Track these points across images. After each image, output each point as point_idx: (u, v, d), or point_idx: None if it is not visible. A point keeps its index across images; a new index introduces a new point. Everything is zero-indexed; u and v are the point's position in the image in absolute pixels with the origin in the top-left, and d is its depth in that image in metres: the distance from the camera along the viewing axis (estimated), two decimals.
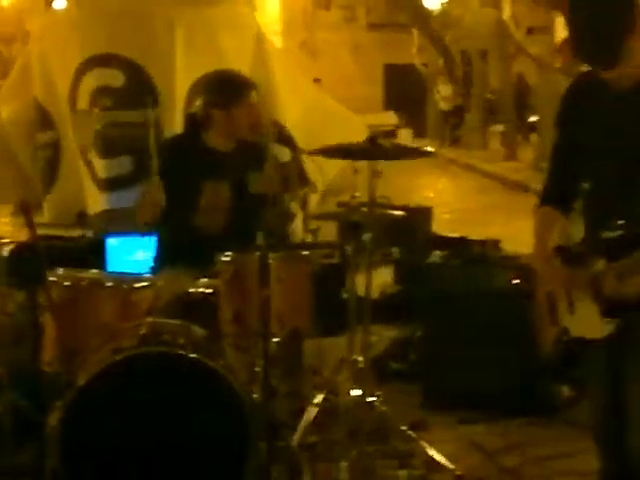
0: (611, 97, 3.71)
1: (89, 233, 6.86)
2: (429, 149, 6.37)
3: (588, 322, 3.73)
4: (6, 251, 5.17)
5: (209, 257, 5.01)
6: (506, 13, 22.11)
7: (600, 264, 3.64)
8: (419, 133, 32.72)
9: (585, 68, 3.82)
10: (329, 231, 7.48)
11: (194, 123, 5.89)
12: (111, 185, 7.34)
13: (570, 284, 3.78)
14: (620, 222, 3.60)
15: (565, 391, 5.96)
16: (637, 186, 3.59)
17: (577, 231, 3.99)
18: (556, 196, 3.99)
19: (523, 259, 6.14)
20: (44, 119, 7.61)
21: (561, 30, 21.59)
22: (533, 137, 24.67)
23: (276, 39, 31.03)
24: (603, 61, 3.61)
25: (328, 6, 31.75)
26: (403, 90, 33.88)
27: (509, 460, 5.34)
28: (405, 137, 29.64)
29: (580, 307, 3.76)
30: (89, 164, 7.40)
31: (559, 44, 9.96)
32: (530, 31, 24.76)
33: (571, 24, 3.67)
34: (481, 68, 30.91)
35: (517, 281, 5.82)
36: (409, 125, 31.54)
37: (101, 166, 7.37)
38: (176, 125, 7.04)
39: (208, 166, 5.51)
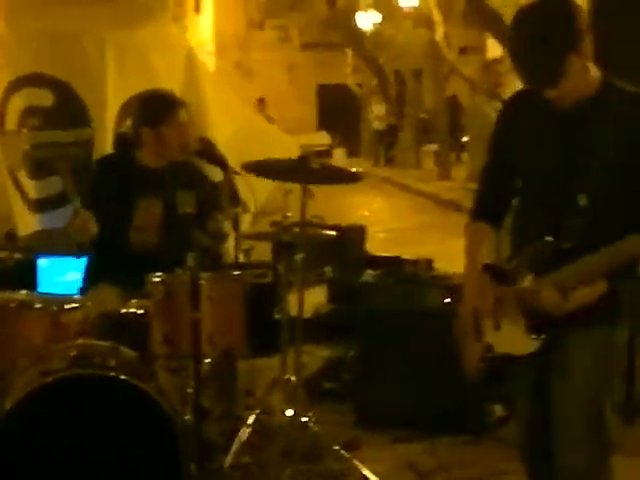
0: (550, 116, 3.71)
1: (19, 254, 6.79)
2: (360, 170, 6.39)
3: (514, 338, 3.75)
4: None
5: (140, 277, 4.98)
6: (439, 34, 22.26)
7: (527, 280, 3.68)
8: (353, 152, 32.94)
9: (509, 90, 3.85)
10: (263, 251, 7.48)
11: (125, 142, 5.88)
12: (42, 206, 7.29)
13: (498, 300, 3.79)
14: (548, 238, 3.63)
15: (498, 410, 5.98)
16: (567, 203, 3.60)
17: (507, 247, 4.02)
18: (487, 212, 3.99)
19: (455, 278, 6.17)
20: None
21: (493, 50, 21.83)
22: (466, 156, 24.84)
23: (209, 59, 31.09)
24: (543, 81, 3.60)
25: (262, 26, 31.84)
26: (337, 110, 34.06)
27: (440, 479, 5.37)
28: (339, 157, 29.80)
29: (506, 323, 3.78)
30: (18, 185, 7.32)
31: (486, 64, 10.04)
32: (463, 51, 25.00)
33: (510, 43, 3.67)
34: (415, 88, 31.15)
35: (449, 300, 5.85)
36: (343, 144, 31.68)
37: (31, 187, 7.31)
38: (107, 145, 7.02)
39: (140, 184, 5.49)
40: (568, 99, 3.62)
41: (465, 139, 25.50)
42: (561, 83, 3.54)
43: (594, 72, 3.65)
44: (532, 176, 3.81)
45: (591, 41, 3.58)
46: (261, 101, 22.65)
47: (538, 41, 3.53)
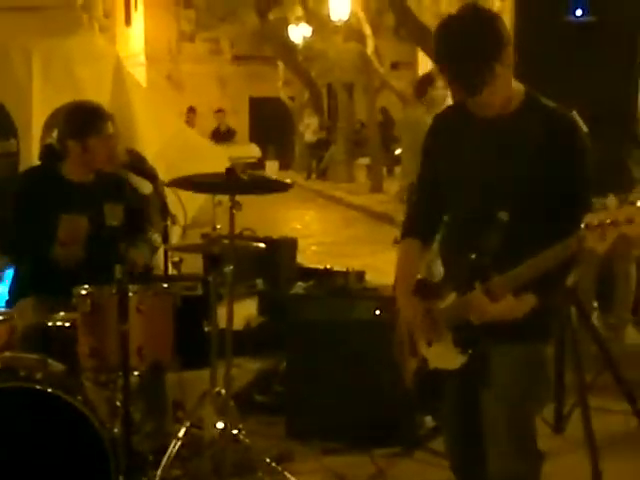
0: (474, 127, 3.74)
1: None
2: (288, 181, 6.37)
3: (444, 353, 3.79)
4: None
5: (67, 290, 4.96)
6: (369, 47, 22.37)
7: (451, 297, 3.72)
8: (285, 165, 32.96)
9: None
10: (193, 263, 7.46)
11: (50, 154, 5.83)
12: None
13: (426, 316, 3.81)
14: (472, 256, 3.65)
15: (428, 421, 6.00)
16: (490, 219, 3.62)
17: (437, 264, 4.05)
18: (417, 229, 4.00)
19: (386, 290, 6.18)
20: None
21: (425, 65, 21.99)
22: (398, 170, 24.97)
23: (140, 71, 30.91)
24: (468, 89, 3.61)
25: (192, 38, 31.82)
26: (269, 122, 34.09)
27: None
28: (271, 169, 29.82)
29: (437, 339, 3.80)
30: None
31: (417, 80, 10.09)
32: (395, 66, 25.20)
33: (436, 54, 3.69)
34: (347, 101, 31.19)
35: (379, 312, 5.86)
36: (276, 157, 31.70)
37: None
38: (33, 156, 6.97)
39: (65, 198, 5.45)
40: (491, 110, 3.66)
41: (397, 152, 25.78)
42: (485, 92, 3.56)
43: (517, 86, 3.70)
44: (456, 191, 3.82)
45: (513, 53, 3.63)
46: (191, 110, 22.63)
47: (462, 51, 3.56)
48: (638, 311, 8.58)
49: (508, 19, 6.58)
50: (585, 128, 3.68)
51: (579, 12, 6.25)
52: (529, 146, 3.61)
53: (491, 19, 3.61)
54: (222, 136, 22.07)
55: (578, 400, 5.73)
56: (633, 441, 6.07)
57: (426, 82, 8.13)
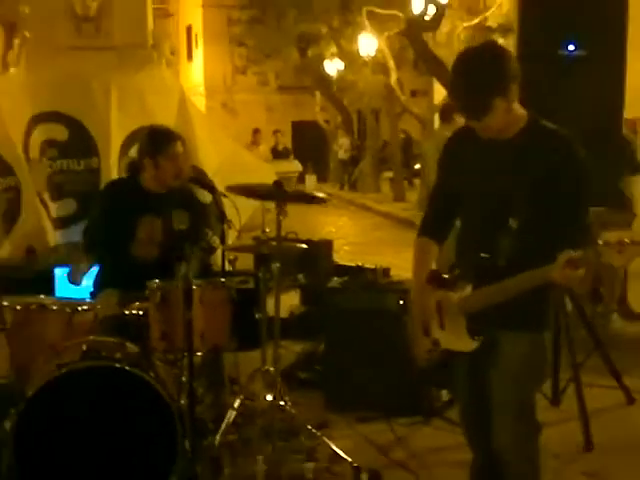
0: (479, 147, 3.71)
1: (39, 265, 6.75)
2: (324, 195, 6.42)
3: (456, 337, 3.76)
4: None
5: (141, 284, 4.98)
6: (393, 79, 22.28)
7: (468, 289, 3.68)
8: (322, 178, 32.91)
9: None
10: (246, 261, 7.47)
11: (132, 169, 5.88)
12: (60, 223, 7.30)
13: (439, 302, 3.80)
14: (484, 255, 3.63)
15: (444, 394, 5.99)
16: (499, 225, 3.58)
17: (448, 259, 4.04)
18: (432, 229, 3.98)
19: (408, 284, 6.17)
20: (2, 166, 7.49)
21: (439, 93, 21.91)
22: (417, 181, 24.95)
23: (200, 100, 31.03)
24: (470, 115, 3.62)
25: (244, 72, 31.80)
26: (308, 142, 34.05)
27: (397, 453, 5.36)
28: (310, 182, 29.77)
29: (449, 323, 3.78)
30: (44, 204, 7.32)
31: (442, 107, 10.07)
32: (414, 94, 25.13)
33: (449, 85, 3.72)
34: (373, 124, 31.19)
35: (402, 302, 5.83)
36: (314, 171, 31.65)
37: (53, 207, 7.32)
38: (112, 172, 7.02)
39: (143, 204, 5.49)
40: (492, 133, 3.62)
41: (416, 167, 25.73)
42: (485, 119, 3.55)
43: (520, 111, 3.65)
44: (470, 201, 3.78)
45: (518, 86, 3.60)
46: (256, 131, 22.67)
47: (468, 86, 3.56)
48: (622, 303, 8.55)
49: None
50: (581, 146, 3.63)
51: (571, 47, 6.20)
52: (531, 163, 3.57)
53: (498, 58, 3.58)
54: (279, 153, 22.06)
55: (572, 377, 5.71)
56: (619, 412, 6.05)
57: (451, 110, 8.12)
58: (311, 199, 6.47)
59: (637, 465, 5.18)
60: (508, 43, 14.16)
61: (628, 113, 6.90)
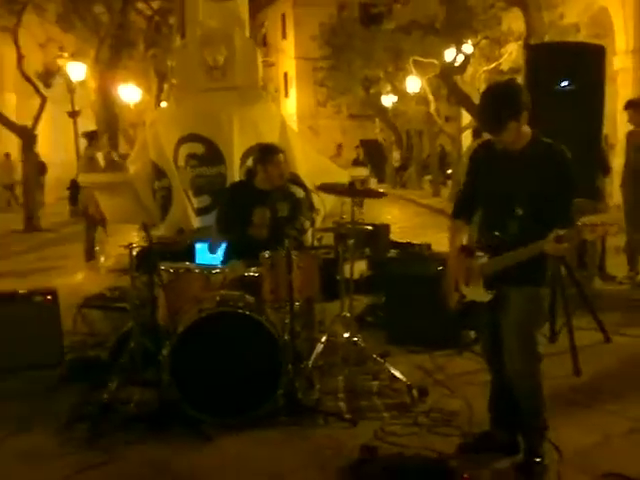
0: (495, 155, 3.71)
1: (186, 241, 6.85)
2: (383, 191, 6.45)
3: (477, 291, 3.78)
4: (135, 251, 5.17)
5: (256, 255, 5.03)
6: (432, 108, 22.03)
7: (485, 258, 3.72)
8: (381, 180, 32.64)
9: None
10: (329, 239, 7.48)
11: (249, 174, 5.93)
12: (200, 212, 7.38)
13: (467, 268, 3.81)
14: (497, 234, 3.67)
15: (471, 334, 5.94)
16: (508, 212, 3.62)
17: (473, 236, 4.02)
18: (462, 213, 3.99)
19: (444, 255, 6.14)
20: (158, 172, 7.60)
21: (466, 118, 21.62)
22: (449, 182, 24.71)
23: (294, 124, 31.03)
24: (490, 132, 3.63)
25: (324, 104, 31.54)
26: (371, 154, 33.85)
27: (438, 375, 5.36)
28: (373, 183, 29.55)
29: (472, 282, 3.79)
30: (189, 199, 7.42)
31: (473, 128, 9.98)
32: (447, 119, 24.74)
33: (479, 109, 3.69)
34: (418, 141, 30.95)
35: (441, 268, 5.80)
36: (375, 175, 31.47)
37: (195, 201, 7.41)
38: (234, 176, 7.09)
39: (257, 199, 5.51)
40: (505, 145, 3.62)
41: (449, 172, 25.46)
42: (501, 136, 3.57)
43: (527, 130, 3.64)
44: (489, 195, 3.78)
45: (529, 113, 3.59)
46: (340, 146, 22.70)
47: (489, 113, 3.58)
48: (601, 269, 8.40)
49: None
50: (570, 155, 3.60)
51: (564, 83, 6.08)
52: (533, 168, 3.57)
53: (514, 93, 3.59)
54: (359, 162, 21.93)
55: (565, 322, 5.63)
56: (599, 347, 5.94)
57: (481, 129, 8.05)
58: (375, 194, 6.44)
59: (612, 384, 5.11)
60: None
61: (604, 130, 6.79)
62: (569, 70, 6.04)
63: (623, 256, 8.29)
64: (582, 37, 14.96)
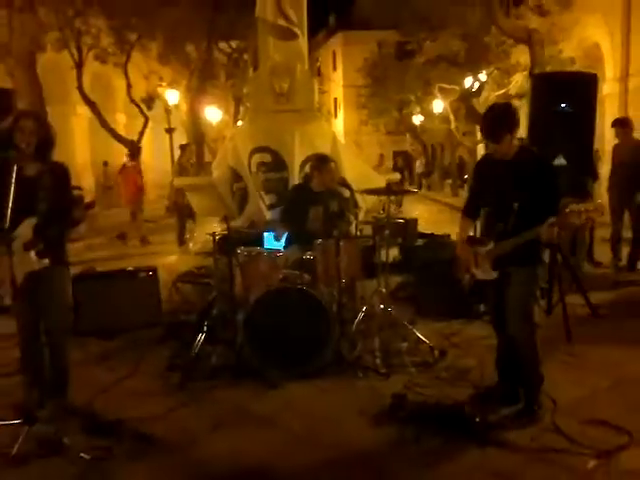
0: (494, 164, 3.73)
1: (257, 230, 6.91)
2: (414, 190, 6.40)
3: (485, 271, 3.78)
4: (217, 238, 5.24)
5: (311, 242, 5.05)
6: (452, 126, 21.72)
7: (491, 244, 3.73)
8: (410, 183, 32.38)
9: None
10: (369, 230, 7.46)
11: (307, 177, 5.94)
12: (269, 207, 7.40)
13: (476, 254, 3.81)
14: (500, 224, 3.67)
15: (481, 307, 5.87)
16: (507, 208, 3.61)
17: (479, 229, 3.99)
18: (469, 212, 4.01)
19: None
20: (236, 176, 7.65)
21: (480, 134, 21.18)
22: (465, 186, 24.37)
23: (342, 139, 30.82)
24: (490, 140, 3.65)
25: (366, 123, 31.21)
26: (402, 163, 33.51)
27: (454, 339, 5.32)
28: (405, 185, 29.32)
29: (481, 264, 3.78)
30: (262, 197, 7.47)
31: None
32: (464, 134, 24.34)
33: (481, 124, 3.69)
34: (440, 152, 30.56)
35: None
36: (405, 179, 31.19)
37: (265, 198, 7.43)
38: (295, 179, 7.10)
39: (313, 199, 5.52)
40: (501, 156, 3.65)
41: (465, 177, 25.09)
42: (498, 144, 3.60)
43: (516, 142, 3.67)
44: (490, 196, 3.78)
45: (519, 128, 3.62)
46: (382, 156, 22.57)
47: (489, 126, 3.61)
48: (590, 255, 8.22)
49: (524, 111, 6.35)
50: (551, 161, 3.61)
51: (563, 105, 5.95)
52: (523, 173, 3.58)
53: (508, 112, 3.61)
54: (398, 169, 21.72)
55: (559, 298, 5.53)
56: (588, 320, 5.80)
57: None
58: (407, 192, 6.40)
59: (598, 348, 4.99)
60: (523, 103, 13.64)
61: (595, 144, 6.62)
62: (567, 95, 5.92)
63: (608, 245, 8.10)
64: (577, 67, 14.59)
